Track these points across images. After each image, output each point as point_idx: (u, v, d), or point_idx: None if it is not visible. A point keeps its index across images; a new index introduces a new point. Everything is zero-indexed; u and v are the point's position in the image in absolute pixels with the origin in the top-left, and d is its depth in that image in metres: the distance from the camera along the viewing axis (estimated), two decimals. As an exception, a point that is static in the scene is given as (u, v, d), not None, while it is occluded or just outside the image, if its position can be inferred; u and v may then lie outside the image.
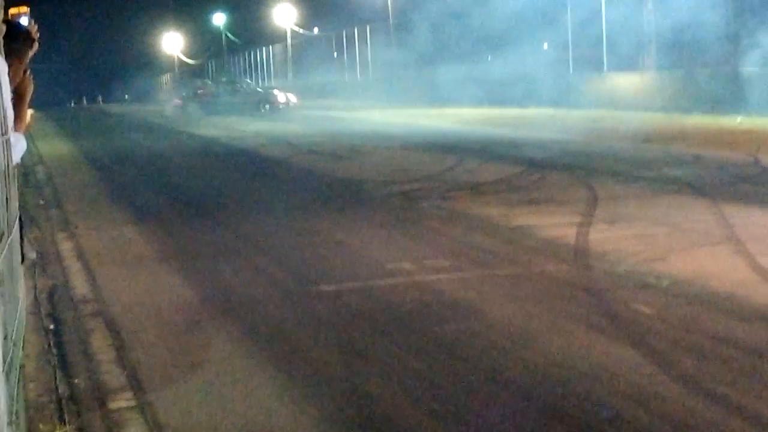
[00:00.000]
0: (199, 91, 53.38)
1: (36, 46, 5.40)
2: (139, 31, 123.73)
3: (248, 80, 54.82)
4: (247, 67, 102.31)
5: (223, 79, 54.26)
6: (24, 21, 5.15)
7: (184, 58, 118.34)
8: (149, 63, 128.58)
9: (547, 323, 7.64)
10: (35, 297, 9.18)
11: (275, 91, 50.41)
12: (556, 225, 11.99)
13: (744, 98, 30.42)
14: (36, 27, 5.41)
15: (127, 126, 46.88)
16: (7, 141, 4.48)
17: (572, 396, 5.93)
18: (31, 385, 6.49)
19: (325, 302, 8.66)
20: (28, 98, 5.42)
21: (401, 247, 11.10)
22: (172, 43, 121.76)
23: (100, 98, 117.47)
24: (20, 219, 5.32)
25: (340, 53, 73.87)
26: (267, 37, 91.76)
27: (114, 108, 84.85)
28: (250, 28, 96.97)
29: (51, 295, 9.39)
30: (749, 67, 32.28)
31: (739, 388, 5.94)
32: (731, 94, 31.34)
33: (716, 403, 5.71)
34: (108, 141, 34.59)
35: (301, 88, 77.32)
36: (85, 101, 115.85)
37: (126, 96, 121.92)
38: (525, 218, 12.65)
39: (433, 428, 5.52)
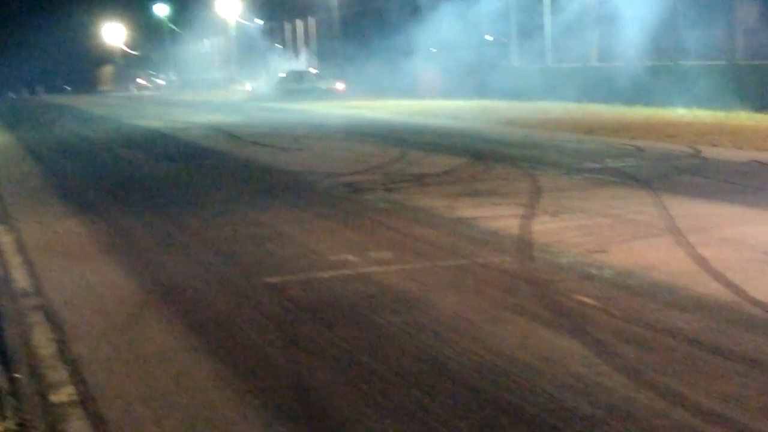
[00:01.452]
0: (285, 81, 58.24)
1: None
2: (81, 22, 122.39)
3: (311, 70, 57.22)
4: (191, 57, 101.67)
5: (290, 71, 57.63)
6: None
7: (127, 49, 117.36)
8: (91, 53, 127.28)
9: (491, 314, 7.67)
10: (-25, 291, 9.07)
11: (330, 80, 55.08)
12: (499, 216, 12.04)
13: (685, 91, 30.71)
14: None
15: (69, 117, 46.43)
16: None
17: (515, 387, 5.96)
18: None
19: (270, 294, 8.63)
20: None
21: (345, 239, 11.10)
22: (113, 33, 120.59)
23: (41, 89, 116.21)
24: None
25: (284, 45, 73.72)
26: (210, 27, 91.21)
27: (55, 99, 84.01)
28: (193, 19, 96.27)
29: (-9, 288, 9.28)
30: (690, 60, 32.63)
31: (679, 378, 6.00)
32: (673, 86, 31.63)
33: (657, 393, 5.76)
34: (49, 132, 34.24)
35: (245, 79, 77.14)
36: (25, 92, 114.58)
37: (67, 87, 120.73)
38: (469, 210, 12.69)
39: (378, 420, 5.52)
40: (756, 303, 7.66)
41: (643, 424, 5.31)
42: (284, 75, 59.09)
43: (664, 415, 5.44)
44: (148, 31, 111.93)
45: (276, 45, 75.18)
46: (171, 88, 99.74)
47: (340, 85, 54.22)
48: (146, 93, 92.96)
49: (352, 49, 56.45)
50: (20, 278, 9.75)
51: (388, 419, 5.54)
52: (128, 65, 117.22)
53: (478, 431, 5.31)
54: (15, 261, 10.65)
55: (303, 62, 63.72)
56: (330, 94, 52.52)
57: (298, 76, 57.22)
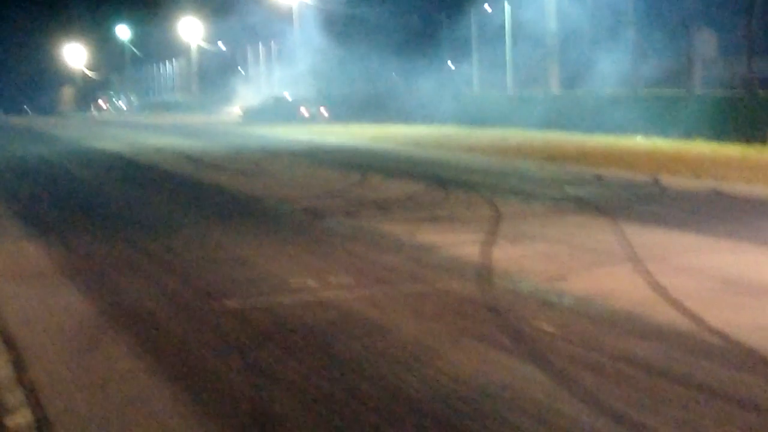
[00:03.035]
0: (254, 105, 60.66)
1: None
2: (41, 42, 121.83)
3: (285, 95, 57.39)
4: (151, 79, 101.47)
5: (271, 96, 57.86)
6: None
7: (87, 71, 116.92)
8: (51, 75, 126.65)
9: (451, 341, 7.67)
10: (-70, 313, 8.96)
11: (301, 106, 54.96)
12: (460, 243, 12.06)
13: (645, 119, 30.98)
14: None
15: (28, 138, 46.12)
16: None
17: (474, 414, 5.97)
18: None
19: (230, 319, 8.59)
20: None
21: (305, 264, 11.08)
22: (74, 54, 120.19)
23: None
24: None
25: (245, 68, 73.70)
26: (171, 50, 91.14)
27: (13, 120, 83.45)
28: (154, 42, 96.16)
29: (-53, 310, 9.17)
30: (650, 89, 32.94)
31: (637, 406, 6.02)
32: (632, 114, 31.90)
33: (616, 421, 5.78)
34: (6, 154, 33.98)
35: (205, 102, 77.05)
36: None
37: (25, 107, 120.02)
38: (429, 236, 12.72)
39: (337, 446, 5.51)
40: (713, 331, 7.71)
41: (601, 452, 5.33)
42: (266, 100, 59.30)
43: (623, 442, 5.46)
44: (109, 54, 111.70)
45: (239, 69, 75.16)
46: (131, 110, 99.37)
47: (323, 111, 54.09)
48: (106, 115, 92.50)
49: (323, 74, 56.66)
50: (-23, 300, 9.65)
51: (348, 445, 5.52)
52: (89, 87, 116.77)
53: (437, 458, 5.30)
54: (-29, 283, 10.55)
55: (276, 87, 63.64)
56: (314, 119, 52.35)
57: (278, 102, 57.25)
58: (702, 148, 26.22)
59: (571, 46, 36.64)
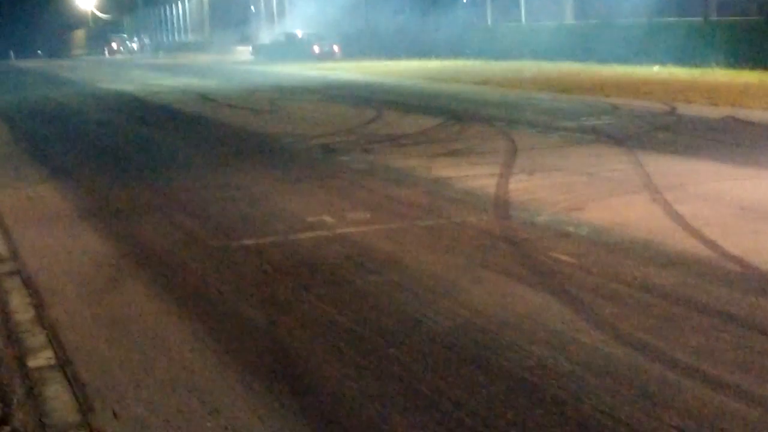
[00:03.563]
0: (265, 43, 60.30)
1: None
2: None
3: (297, 32, 56.59)
4: (164, 21, 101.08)
5: (283, 34, 58.70)
6: None
7: (98, 13, 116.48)
8: (62, 18, 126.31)
9: (468, 273, 7.68)
10: (-50, 257, 9.02)
11: (313, 44, 54.42)
12: (476, 176, 12.04)
13: (660, 48, 30.75)
14: None
15: (41, 82, 46.08)
16: None
17: (494, 344, 5.98)
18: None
19: (246, 257, 8.62)
20: None
21: (321, 201, 11.08)
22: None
23: (11, 54, 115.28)
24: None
25: (257, 6, 73.28)
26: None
27: (27, 63, 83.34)
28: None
29: (-34, 254, 9.22)
30: (665, 17, 32.63)
31: (656, 333, 6.03)
32: (647, 44, 31.65)
33: (635, 349, 5.79)
34: (21, 97, 33.95)
35: (218, 41, 76.75)
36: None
37: (39, 51, 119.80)
38: (445, 170, 12.69)
39: (357, 379, 5.53)
40: (731, 258, 7.70)
41: (620, 379, 5.34)
42: (277, 38, 58.76)
43: (642, 369, 5.47)
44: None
45: (251, 8, 74.74)
46: (144, 51, 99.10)
47: (335, 48, 53.63)
48: (119, 57, 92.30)
49: (335, 11, 56.23)
50: (-5, 244, 9.70)
51: (367, 378, 5.55)
52: (100, 29, 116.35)
53: (457, 389, 5.32)
54: (-10, 227, 10.59)
55: (294, 24, 63.07)
56: (327, 56, 51.95)
57: (289, 39, 56.73)
58: (719, 75, 26.04)
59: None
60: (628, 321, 6.29)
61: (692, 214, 9.24)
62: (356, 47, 52.51)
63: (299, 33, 57.22)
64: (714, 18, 31.96)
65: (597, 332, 6.11)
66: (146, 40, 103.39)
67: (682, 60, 29.57)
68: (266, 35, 63.84)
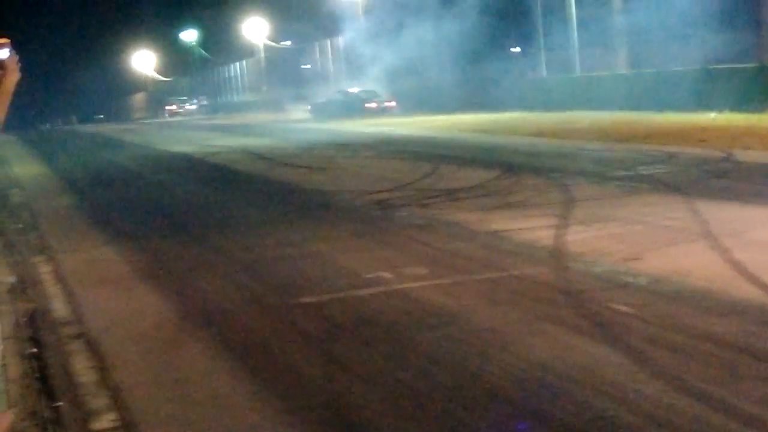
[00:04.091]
0: (321, 101, 60.46)
1: (18, 75, 5.38)
2: (111, 50, 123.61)
3: (353, 89, 57.15)
4: (221, 81, 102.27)
5: (339, 91, 59.22)
6: (4, 53, 5.13)
7: (157, 76, 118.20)
8: (121, 81, 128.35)
9: (527, 326, 7.67)
10: (16, 321, 9.15)
11: (368, 100, 54.85)
12: (532, 228, 12.03)
13: (716, 94, 30.61)
14: (17, 57, 5.39)
15: (102, 145, 46.75)
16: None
17: (555, 398, 5.97)
18: (15, 410, 6.47)
19: (305, 314, 8.67)
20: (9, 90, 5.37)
21: (379, 257, 11.12)
22: (143, 60, 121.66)
23: (74, 119, 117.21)
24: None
25: (314, 65, 73.95)
26: (238, 51, 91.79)
27: (89, 128, 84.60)
28: (221, 43, 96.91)
29: (31, 318, 9.35)
30: (720, 65, 32.49)
31: (718, 383, 5.98)
32: (703, 90, 31.53)
33: (698, 400, 5.75)
34: (83, 162, 34.49)
35: (275, 100, 77.46)
36: (60, 122, 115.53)
37: (100, 115, 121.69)
38: (502, 222, 12.70)
39: (417, 436, 5.54)
40: (793, 305, 7.63)
41: (683, 431, 5.30)
42: (333, 96, 59.17)
43: (704, 420, 5.42)
44: (177, 58, 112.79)
45: (304, 66, 75.44)
46: (202, 112, 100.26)
47: (390, 103, 53.98)
48: (178, 119, 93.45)
49: (390, 67, 56.56)
50: (59, 307, 9.83)
51: (428, 434, 5.55)
52: (159, 92, 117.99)
53: (517, 443, 5.31)
54: (53, 290, 10.74)
55: (351, 84, 63.49)
56: (382, 112, 52.29)
57: (345, 96, 57.12)
58: (776, 121, 25.84)
59: (638, 24, 36.27)
60: (690, 371, 6.25)
61: (752, 262, 9.17)
62: (411, 102, 52.76)
63: (355, 90, 57.57)
64: (770, 62, 31.78)
65: (658, 383, 6.07)
66: (204, 102, 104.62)
67: (738, 106, 29.40)
68: (322, 93, 64.32)
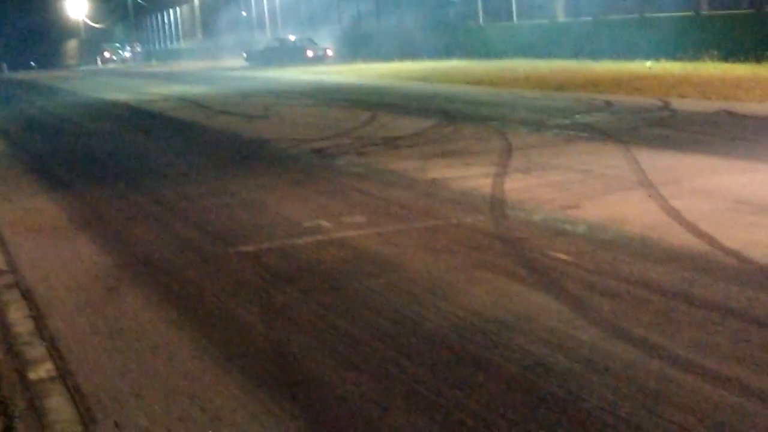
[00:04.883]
0: (258, 48, 59.85)
1: None
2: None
3: (289, 37, 56.43)
4: (156, 28, 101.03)
5: (276, 39, 59.12)
6: None
7: (90, 22, 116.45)
8: (53, 28, 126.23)
9: (465, 274, 7.69)
10: (-52, 271, 9.02)
11: (307, 48, 54.44)
12: (471, 176, 12.06)
13: (652, 43, 30.79)
14: None
15: (35, 93, 46.05)
16: None
17: (493, 345, 6.00)
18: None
19: (244, 263, 8.63)
20: None
21: (318, 205, 11.09)
22: (76, 7, 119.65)
23: (4, 66, 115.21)
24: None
25: (248, 11, 73.25)
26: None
27: (20, 75, 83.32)
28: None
29: (-36, 268, 9.22)
30: (657, 13, 32.67)
31: (655, 329, 6.05)
32: (640, 39, 31.69)
33: (634, 345, 5.81)
34: (15, 109, 33.96)
35: (211, 48, 76.73)
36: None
37: (31, 63, 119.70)
38: (441, 171, 12.71)
39: (356, 382, 5.54)
40: (729, 252, 7.72)
41: (620, 376, 5.35)
42: (270, 43, 58.67)
43: (641, 366, 5.48)
44: (111, 3, 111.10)
45: (242, 13, 74.71)
46: (137, 60, 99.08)
47: (328, 51, 53.53)
48: (112, 66, 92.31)
49: (327, 15, 56.24)
50: (-7, 257, 9.70)
51: (368, 381, 5.56)
52: (93, 39, 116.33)
53: (457, 390, 5.33)
54: (-13, 240, 10.59)
55: (286, 29, 62.96)
56: (320, 60, 51.90)
57: (282, 44, 56.64)
58: (711, 69, 26.07)
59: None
60: (627, 317, 6.31)
61: (688, 209, 9.26)
62: (349, 50, 52.57)
63: (292, 37, 57.19)
64: (705, 12, 32.00)
65: (595, 329, 6.13)
66: (138, 49, 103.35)
67: (674, 55, 29.61)
68: (259, 41, 63.84)
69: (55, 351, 6.54)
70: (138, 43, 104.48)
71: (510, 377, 5.47)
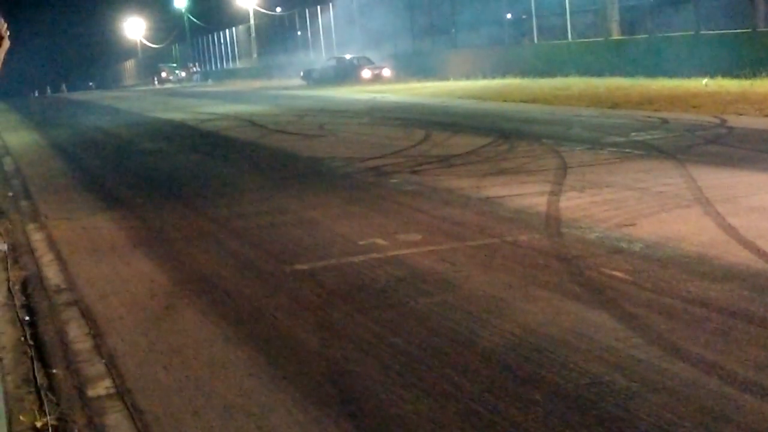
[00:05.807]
0: (313, 67, 60.47)
1: (6, 43, 5.34)
2: (101, 18, 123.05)
3: (346, 56, 56.73)
4: (212, 49, 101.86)
5: (332, 58, 59.25)
6: None
7: (147, 43, 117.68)
8: (111, 49, 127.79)
9: (522, 292, 7.67)
10: (8, 289, 9.14)
11: (363, 67, 54.56)
12: (526, 194, 12.03)
13: (708, 60, 30.55)
14: (6, 25, 5.35)
15: (93, 113, 46.56)
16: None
17: (549, 363, 5.97)
18: (9, 377, 6.48)
19: (300, 281, 8.66)
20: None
21: (373, 223, 11.11)
22: (134, 28, 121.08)
23: (64, 87, 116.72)
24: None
25: (304, 31, 73.63)
26: (230, 18, 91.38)
27: (79, 96, 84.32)
28: (212, 10, 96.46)
29: (24, 286, 9.34)
30: (712, 30, 32.41)
31: (712, 348, 6.00)
32: (695, 56, 31.47)
33: (692, 364, 5.76)
34: (74, 129, 34.35)
35: (266, 68, 77.20)
36: (49, 90, 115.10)
37: (90, 83, 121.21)
38: (496, 189, 12.69)
39: (412, 401, 5.54)
40: (787, 270, 7.64)
41: (678, 395, 5.31)
42: (326, 62, 58.93)
43: (699, 385, 5.44)
44: (168, 24, 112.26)
45: (297, 33, 75.12)
46: (193, 80, 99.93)
47: (386, 71, 53.56)
48: (169, 86, 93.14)
49: (380, 33, 56.39)
50: (52, 275, 9.82)
51: (424, 400, 5.56)
52: (150, 59, 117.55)
53: (513, 408, 5.32)
54: (46, 258, 10.72)
55: (337, 48, 63.17)
56: (376, 79, 51.92)
57: (339, 63, 56.78)
58: (769, 86, 25.82)
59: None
60: (685, 336, 6.26)
61: (745, 227, 9.18)
62: (405, 69, 52.59)
63: (348, 56, 57.33)
64: (763, 28, 31.69)
65: (653, 348, 6.09)
66: (195, 69, 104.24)
67: (731, 72, 29.36)
68: (316, 60, 64.12)
69: (113, 368, 6.61)
70: (195, 65, 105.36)
71: (567, 396, 5.45)
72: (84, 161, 22.36)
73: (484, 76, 43.44)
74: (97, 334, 7.49)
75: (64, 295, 8.93)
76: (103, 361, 6.80)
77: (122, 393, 6.10)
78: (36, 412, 5.81)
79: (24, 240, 11.92)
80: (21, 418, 5.74)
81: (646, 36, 35.90)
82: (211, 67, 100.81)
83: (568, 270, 8.22)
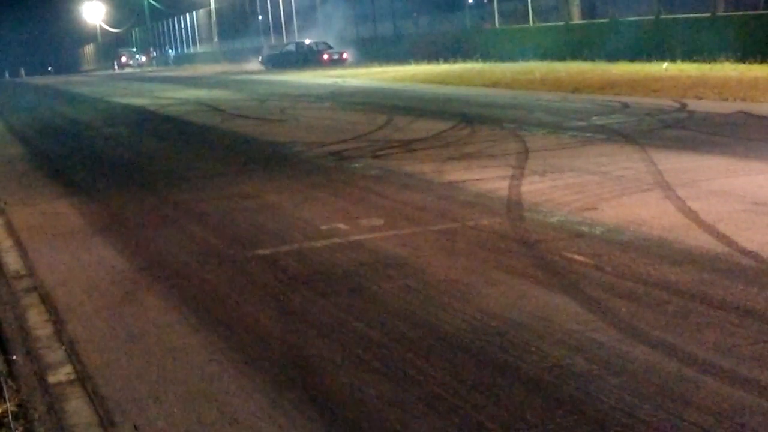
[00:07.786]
0: (273, 52, 60.62)
1: None
2: (60, 2, 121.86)
3: (305, 41, 56.58)
4: (172, 33, 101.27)
5: (292, 43, 59.53)
6: None
7: (107, 27, 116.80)
8: (71, 34, 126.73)
9: (483, 276, 7.69)
10: (-33, 275, 9.06)
11: (323, 51, 54.75)
12: (488, 179, 12.05)
13: (667, 45, 30.71)
14: None
15: (52, 97, 46.22)
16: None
17: (511, 347, 5.99)
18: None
19: (262, 267, 8.64)
20: None
21: (334, 208, 11.10)
22: (93, 12, 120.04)
23: (22, 71, 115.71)
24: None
25: (265, 16, 73.34)
26: (191, 2, 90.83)
27: (38, 80, 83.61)
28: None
29: (-17, 272, 9.26)
30: (673, 14, 32.58)
31: (672, 331, 6.04)
32: (655, 41, 31.62)
33: (652, 347, 5.80)
34: (32, 114, 34.08)
35: (227, 52, 76.87)
36: (7, 75, 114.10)
37: (49, 68, 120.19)
38: (457, 173, 12.70)
39: (374, 385, 5.54)
40: (746, 253, 7.70)
41: (638, 378, 5.34)
42: (286, 47, 58.84)
43: (659, 367, 5.47)
44: (128, 9, 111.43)
45: (258, 17, 74.80)
46: (153, 64, 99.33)
47: (344, 55, 53.52)
48: (129, 71, 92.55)
49: (343, 19, 56.31)
50: (12, 261, 9.74)
51: (387, 384, 5.56)
52: (109, 44, 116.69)
53: (475, 392, 5.33)
54: (5, 244, 10.63)
55: (302, 34, 63.02)
56: (336, 63, 51.95)
57: (298, 48, 56.68)
58: (728, 70, 25.98)
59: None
60: (645, 319, 6.30)
61: (706, 211, 9.24)
62: (365, 54, 52.57)
63: (308, 41, 57.21)
64: (722, 13, 31.89)
65: (614, 331, 6.12)
66: (155, 53, 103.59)
67: (690, 56, 29.53)
68: (275, 45, 63.91)
69: (74, 354, 6.57)
70: (154, 48, 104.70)
71: (528, 379, 5.47)
72: (43, 147, 22.18)
73: (446, 61, 43.47)
74: (57, 321, 7.44)
75: (23, 281, 8.86)
76: (64, 347, 6.75)
77: (83, 379, 6.06)
78: (-5, 399, 5.77)
79: (-18, 226, 11.81)
80: (-20, 405, 5.69)
81: (607, 20, 36.04)
82: (171, 52, 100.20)
83: (530, 254, 8.25)
